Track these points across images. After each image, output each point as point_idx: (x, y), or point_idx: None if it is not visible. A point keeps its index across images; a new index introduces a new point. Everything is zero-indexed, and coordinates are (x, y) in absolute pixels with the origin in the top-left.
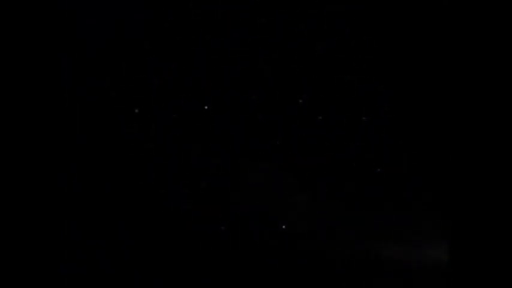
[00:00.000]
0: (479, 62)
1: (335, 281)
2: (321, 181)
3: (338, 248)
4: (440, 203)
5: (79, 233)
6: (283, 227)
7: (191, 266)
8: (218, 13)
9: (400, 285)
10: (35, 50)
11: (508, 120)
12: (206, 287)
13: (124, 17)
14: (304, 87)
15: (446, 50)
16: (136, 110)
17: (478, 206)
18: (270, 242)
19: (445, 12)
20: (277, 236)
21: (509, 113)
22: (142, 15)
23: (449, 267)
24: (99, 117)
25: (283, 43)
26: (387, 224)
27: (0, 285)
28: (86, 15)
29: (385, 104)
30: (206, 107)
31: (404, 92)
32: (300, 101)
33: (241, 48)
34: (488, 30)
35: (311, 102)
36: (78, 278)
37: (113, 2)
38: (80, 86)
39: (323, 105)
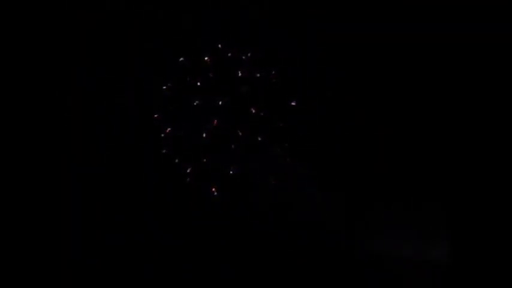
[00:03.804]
0: (479, 64)
1: (339, 277)
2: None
3: (343, 246)
4: (442, 206)
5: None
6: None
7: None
8: None
9: (402, 284)
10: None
11: (507, 125)
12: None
13: None
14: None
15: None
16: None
17: (478, 209)
18: (280, 236)
19: None
20: (287, 232)
21: (508, 117)
22: None
23: (449, 267)
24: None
25: None
26: (392, 223)
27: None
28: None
29: (392, 108)
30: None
31: (409, 99)
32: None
33: None
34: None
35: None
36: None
37: None
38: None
39: (323, 107)
